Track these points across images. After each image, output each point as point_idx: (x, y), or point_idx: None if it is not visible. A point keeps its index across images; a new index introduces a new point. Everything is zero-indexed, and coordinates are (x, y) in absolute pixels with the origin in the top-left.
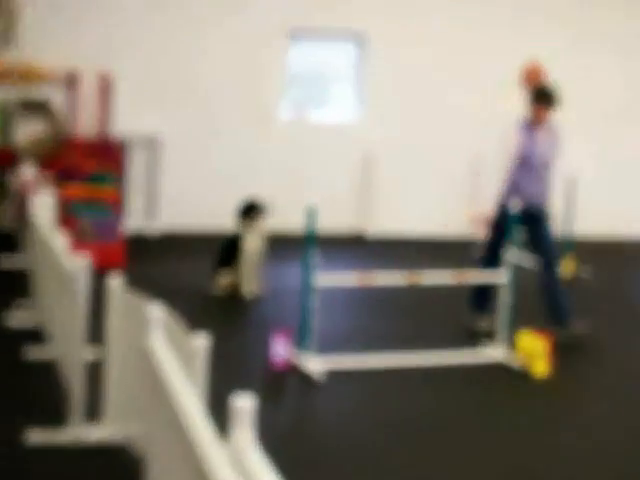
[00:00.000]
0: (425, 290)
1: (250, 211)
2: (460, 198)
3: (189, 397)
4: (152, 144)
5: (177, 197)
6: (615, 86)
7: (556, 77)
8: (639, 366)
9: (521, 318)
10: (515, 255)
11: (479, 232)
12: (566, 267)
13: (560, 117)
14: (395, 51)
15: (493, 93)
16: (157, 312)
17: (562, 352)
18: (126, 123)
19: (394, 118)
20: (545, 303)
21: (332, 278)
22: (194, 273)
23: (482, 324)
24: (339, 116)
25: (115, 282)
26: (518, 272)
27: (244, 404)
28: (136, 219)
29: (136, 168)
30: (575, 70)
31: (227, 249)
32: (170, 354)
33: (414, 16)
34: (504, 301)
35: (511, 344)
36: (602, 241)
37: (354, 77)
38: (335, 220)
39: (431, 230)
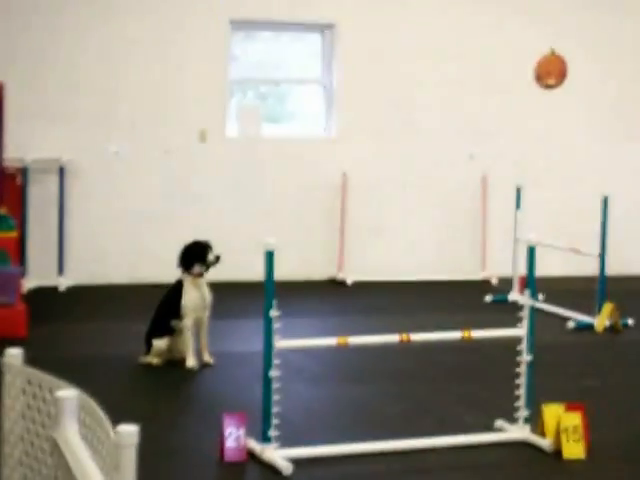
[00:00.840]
0: (421, 348)
1: (192, 257)
2: (459, 229)
3: None
4: (56, 173)
5: (92, 240)
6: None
7: None
8: None
9: (545, 384)
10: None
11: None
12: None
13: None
14: (374, 44)
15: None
16: (70, 394)
17: (598, 426)
18: (22, 147)
19: (373, 132)
20: None
21: (300, 339)
22: (119, 336)
23: None
24: (304, 131)
25: (13, 355)
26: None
27: None
28: (39, 270)
29: (35, 204)
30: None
31: (164, 305)
32: (87, 450)
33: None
34: (524, 360)
35: (536, 418)
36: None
37: (320, 80)
38: (303, 262)
39: (425, 272)
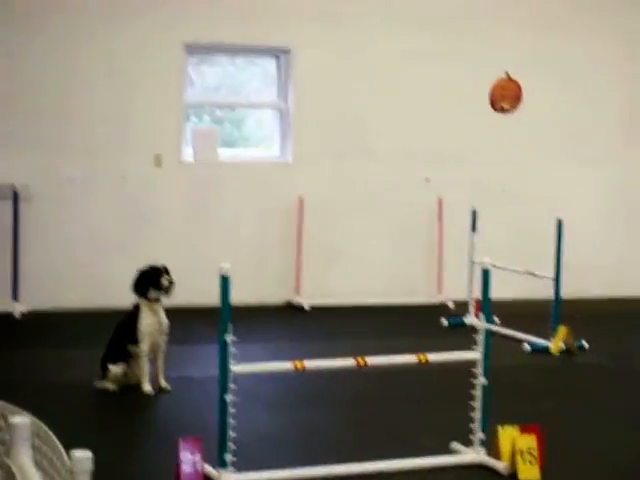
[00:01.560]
0: (378, 373)
1: (146, 282)
2: (415, 252)
3: None
4: (10, 198)
5: (47, 266)
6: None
7: None
8: None
9: (501, 406)
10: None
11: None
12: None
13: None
14: (329, 69)
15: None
16: (23, 420)
17: (554, 448)
18: None
19: (329, 156)
20: None
21: (256, 364)
22: (74, 362)
23: None
24: (260, 155)
25: None
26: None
27: None
28: None
29: None
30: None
31: (121, 330)
32: (41, 477)
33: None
34: (479, 382)
35: (492, 441)
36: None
37: (276, 105)
38: (260, 286)
39: (381, 295)
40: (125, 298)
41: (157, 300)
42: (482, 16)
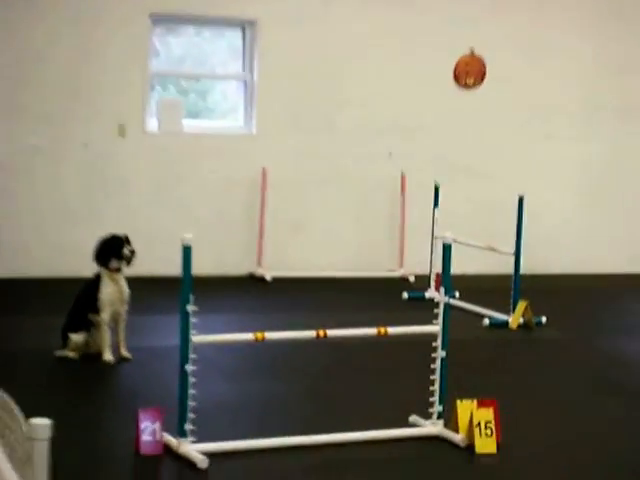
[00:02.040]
0: (338, 344)
1: (108, 251)
2: (378, 226)
3: None
4: None
5: (11, 234)
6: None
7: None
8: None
9: (459, 380)
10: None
11: None
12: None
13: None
14: (294, 41)
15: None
16: None
17: (510, 421)
18: None
19: (293, 128)
20: None
21: (217, 335)
22: (36, 330)
23: None
24: (224, 126)
25: None
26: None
27: None
28: None
29: None
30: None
31: (83, 299)
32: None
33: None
34: (439, 356)
35: (450, 413)
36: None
37: (241, 76)
38: (222, 257)
39: (343, 268)
40: (89, 267)
41: (118, 270)
42: None
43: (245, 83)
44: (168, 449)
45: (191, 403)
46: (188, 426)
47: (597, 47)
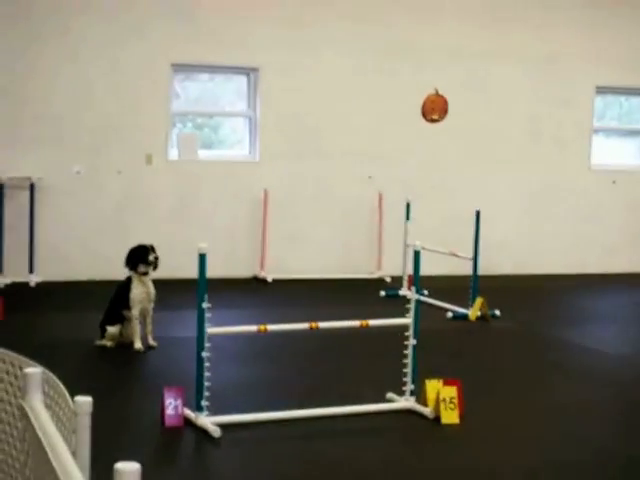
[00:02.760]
0: (327, 334)
1: (136, 258)
2: (360, 237)
3: (71, 465)
4: (27, 189)
5: (57, 244)
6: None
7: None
8: (548, 405)
9: (428, 363)
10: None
11: None
12: (475, 307)
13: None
14: (290, 84)
15: (393, 130)
16: (36, 370)
17: (470, 397)
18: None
19: (289, 156)
20: None
21: (228, 327)
22: (78, 324)
23: None
24: (232, 155)
25: None
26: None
27: (129, 468)
28: (14, 268)
29: (10, 214)
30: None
31: (117, 298)
32: (50, 417)
33: (308, 54)
34: (410, 343)
35: (420, 391)
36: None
37: (246, 113)
38: (231, 262)
39: (331, 271)
40: (121, 271)
41: (145, 273)
42: (417, 45)
43: (250, 119)
44: (188, 421)
45: (206, 383)
46: (204, 402)
47: (536, 89)
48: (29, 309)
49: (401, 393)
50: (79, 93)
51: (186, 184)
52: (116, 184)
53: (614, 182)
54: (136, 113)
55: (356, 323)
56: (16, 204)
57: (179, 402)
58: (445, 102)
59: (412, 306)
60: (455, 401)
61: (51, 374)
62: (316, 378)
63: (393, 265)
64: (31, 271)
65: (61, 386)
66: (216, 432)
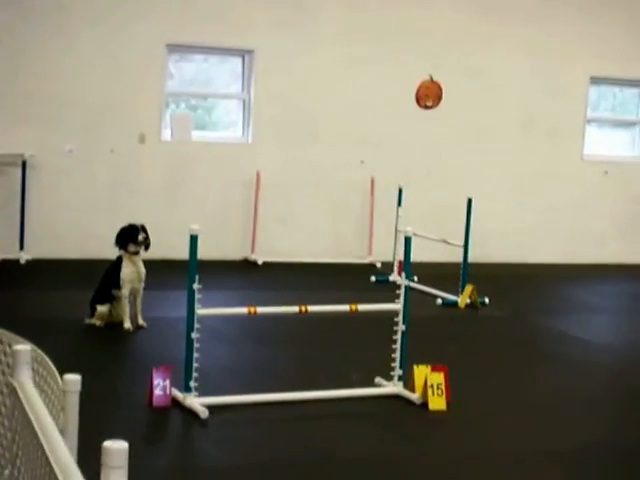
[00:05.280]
0: (317, 318)
1: (125, 237)
2: (351, 221)
3: (59, 443)
4: (19, 166)
5: (48, 222)
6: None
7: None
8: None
9: (416, 349)
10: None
11: None
12: (465, 294)
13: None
14: (284, 68)
15: (387, 115)
16: (25, 348)
17: (458, 383)
18: None
19: (282, 139)
20: None
21: (217, 308)
22: (68, 302)
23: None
24: (226, 137)
25: None
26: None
27: (117, 446)
28: (4, 245)
29: (1, 191)
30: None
31: (107, 277)
32: (39, 394)
33: (304, 39)
34: (400, 329)
35: (408, 376)
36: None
37: (240, 96)
38: (222, 244)
39: (322, 256)
40: (112, 251)
41: (136, 253)
42: (412, 31)
43: (243, 101)
44: (176, 402)
45: (195, 364)
46: (192, 383)
47: (531, 77)
48: (19, 286)
49: (389, 378)
50: (73, 71)
51: (179, 165)
52: (108, 163)
53: (606, 172)
54: (130, 92)
55: (345, 307)
56: (7, 181)
57: (167, 382)
58: (439, 89)
59: (402, 292)
60: (442, 387)
61: (40, 352)
62: (305, 361)
63: (384, 250)
64: (21, 248)
65: (50, 364)
66: (204, 413)
